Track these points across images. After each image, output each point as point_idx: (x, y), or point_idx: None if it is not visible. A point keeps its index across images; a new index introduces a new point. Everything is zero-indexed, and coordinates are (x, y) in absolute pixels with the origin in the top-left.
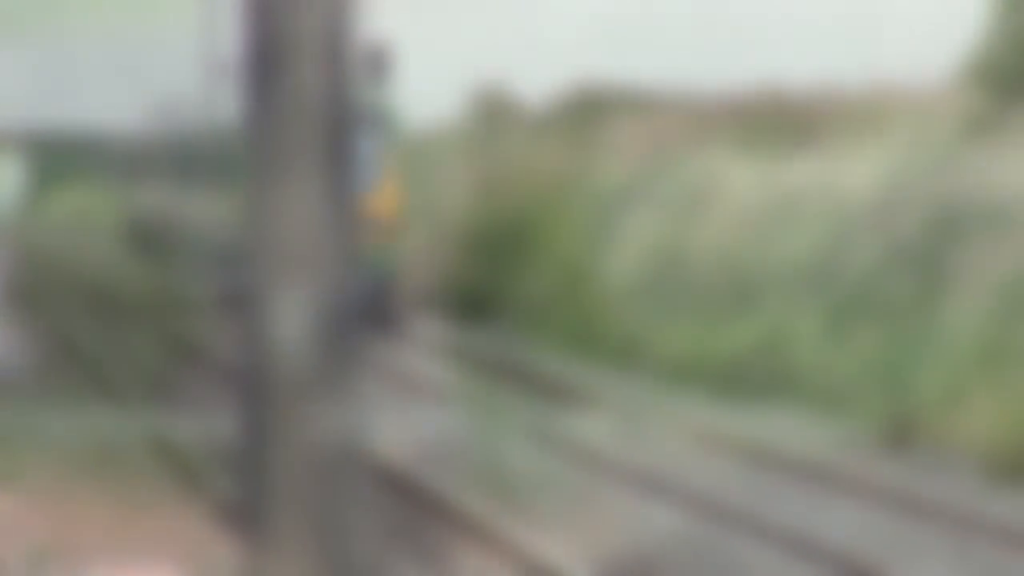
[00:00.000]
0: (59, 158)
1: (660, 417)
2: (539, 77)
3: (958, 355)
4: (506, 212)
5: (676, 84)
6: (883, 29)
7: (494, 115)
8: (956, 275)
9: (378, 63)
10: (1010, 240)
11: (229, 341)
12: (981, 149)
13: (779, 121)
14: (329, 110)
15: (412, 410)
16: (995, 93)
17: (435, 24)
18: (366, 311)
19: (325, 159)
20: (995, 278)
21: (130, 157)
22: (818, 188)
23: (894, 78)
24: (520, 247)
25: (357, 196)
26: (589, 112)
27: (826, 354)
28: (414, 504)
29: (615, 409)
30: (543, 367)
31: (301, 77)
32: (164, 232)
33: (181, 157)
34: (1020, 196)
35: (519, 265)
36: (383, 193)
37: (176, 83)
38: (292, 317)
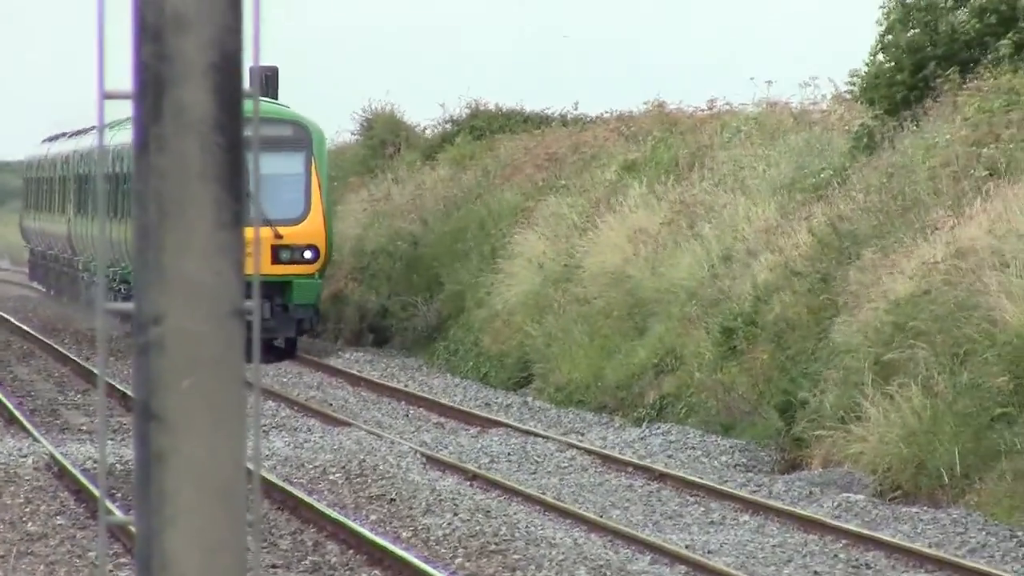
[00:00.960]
0: None
1: (555, 438)
2: (433, 101)
3: (849, 374)
4: (402, 236)
5: (567, 108)
6: (774, 51)
7: (388, 139)
8: (848, 294)
9: (267, 86)
10: (902, 258)
11: (128, 368)
12: (870, 165)
13: (668, 140)
14: (221, 132)
15: (323, 432)
16: (884, 108)
17: (331, 51)
18: (288, 346)
19: (218, 182)
20: (887, 297)
21: (28, 183)
22: (710, 207)
23: (784, 97)
24: (415, 272)
25: (280, 224)
26: (482, 134)
27: (720, 374)
28: (304, 521)
29: (512, 430)
30: (442, 390)
31: (189, 99)
32: (63, 259)
33: (79, 183)
34: (909, 211)
35: (416, 290)
36: (311, 222)
37: (73, 109)
38: (185, 344)
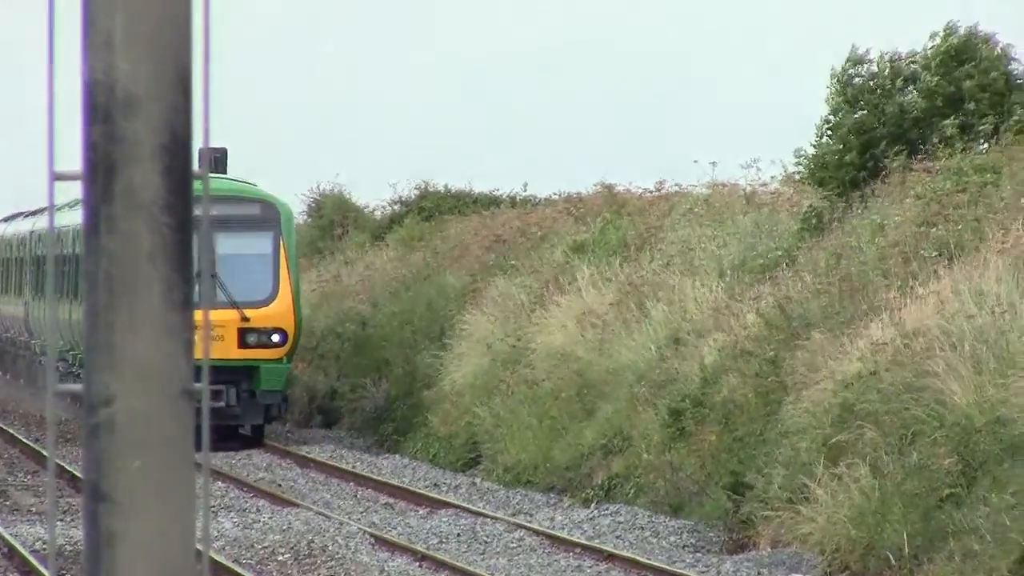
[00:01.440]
0: None
1: (504, 518)
2: (383, 181)
3: (798, 455)
4: (351, 317)
5: (516, 189)
6: (721, 133)
7: (337, 220)
8: (796, 376)
9: (216, 166)
10: (850, 339)
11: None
12: (818, 246)
13: (617, 221)
14: (170, 213)
15: (272, 513)
16: (833, 189)
17: (281, 129)
18: (255, 433)
19: (168, 263)
20: (835, 378)
21: None
22: (659, 288)
23: (730, 179)
24: (364, 353)
25: (247, 306)
26: (431, 215)
27: (669, 455)
28: None
29: (460, 511)
30: (391, 471)
31: (139, 180)
32: (19, 342)
33: (37, 264)
34: (858, 292)
35: (365, 371)
36: (279, 304)
37: (31, 190)
38: (135, 425)
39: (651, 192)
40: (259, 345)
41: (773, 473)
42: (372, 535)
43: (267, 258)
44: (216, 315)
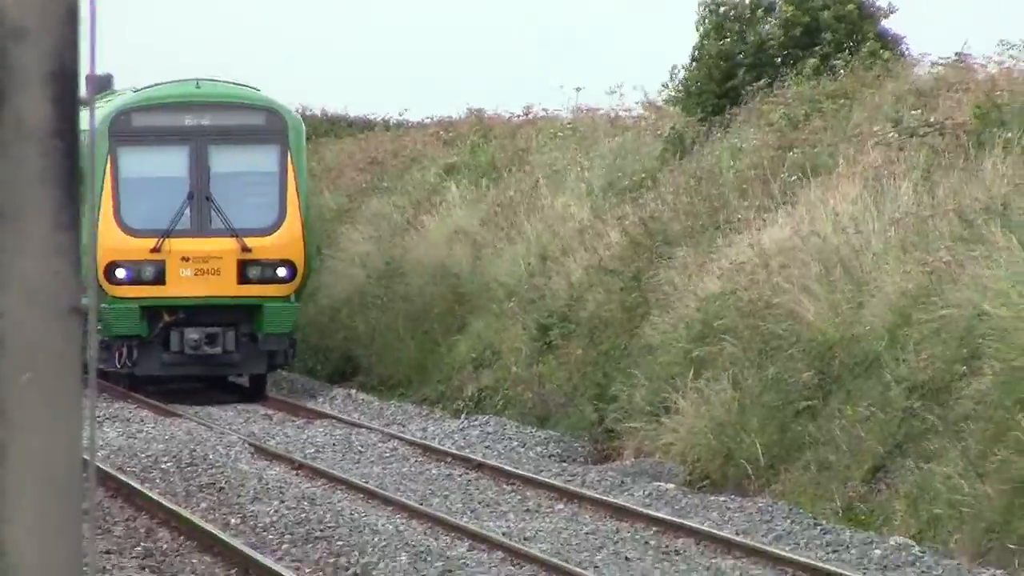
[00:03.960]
0: None
1: (378, 429)
2: None
3: (660, 369)
4: None
5: (391, 114)
6: (591, 57)
7: None
8: (659, 293)
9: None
10: (710, 257)
11: None
12: (680, 168)
13: (485, 145)
14: (60, 138)
15: (155, 423)
16: (696, 114)
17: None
18: (255, 385)
19: (57, 186)
20: (696, 295)
21: None
22: (527, 208)
23: (594, 104)
24: None
25: (248, 235)
26: (308, 139)
27: (536, 368)
28: (137, 509)
29: (336, 421)
30: (270, 383)
31: (28, 107)
32: None
33: None
34: (718, 212)
35: None
36: (286, 232)
37: None
38: (24, 341)
39: (519, 116)
40: (262, 280)
41: (636, 386)
42: (251, 444)
43: (272, 176)
44: (212, 245)
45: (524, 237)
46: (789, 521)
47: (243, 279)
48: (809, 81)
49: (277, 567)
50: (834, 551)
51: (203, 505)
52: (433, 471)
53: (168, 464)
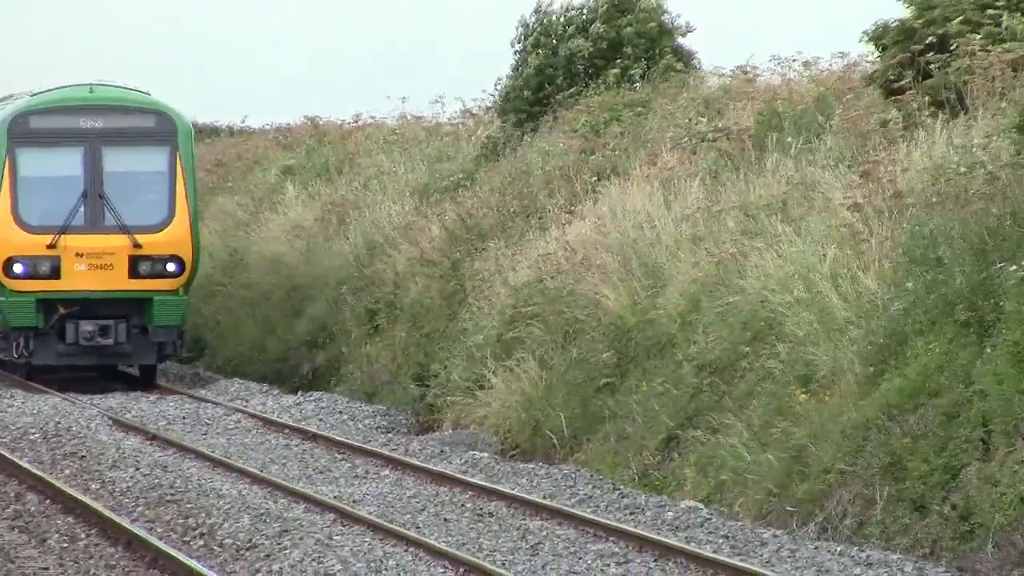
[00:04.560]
0: None
1: (223, 403)
2: None
3: (476, 349)
4: None
5: (235, 121)
6: (412, 73)
7: None
8: (475, 281)
9: None
10: (521, 250)
11: None
12: (494, 170)
13: (320, 149)
14: None
15: (24, 399)
16: (513, 120)
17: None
18: (145, 374)
19: None
20: (508, 283)
21: None
22: (357, 205)
23: (419, 112)
24: None
25: (139, 231)
26: None
27: (365, 349)
28: (7, 475)
29: (186, 397)
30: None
31: None
32: None
33: None
34: (528, 209)
35: None
36: (175, 228)
37: None
38: None
39: (349, 123)
40: (152, 275)
41: (454, 365)
42: (110, 418)
43: (162, 176)
44: (105, 241)
45: (353, 232)
46: (591, 486)
47: (134, 274)
48: (610, 91)
49: (133, 527)
50: (631, 513)
51: (67, 472)
52: (272, 441)
53: (35, 435)
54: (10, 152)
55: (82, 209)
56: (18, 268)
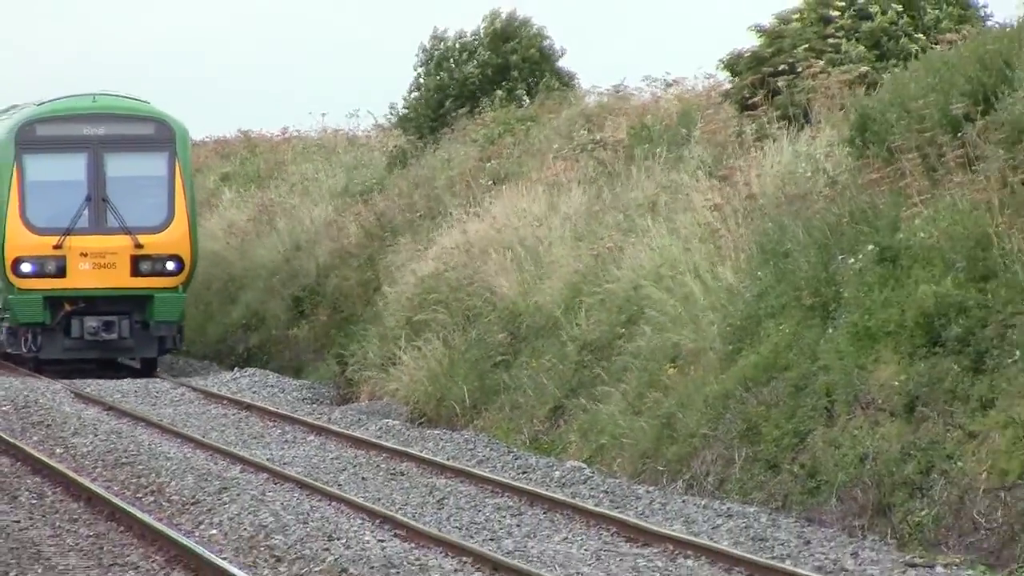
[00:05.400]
0: None
1: (170, 379)
2: None
3: (389, 331)
4: None
5: None
6: (330, 90)
7: None
8: (387, 271)
9: None
10: (427, 244)
11: None
12: (403, 176)
13: (252, 159)
14: None
15: None
16: (415, 134)
17: None
18: (146, 367)
19: None
20: (416, 274)
21: None
22: (284, 207)
23: (337, 125)
24: None
25: (140, 232)
26: None
27: (292, 331)
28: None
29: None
30: None
31: None
32: None
33: None
34: (433, 210)
35: None
36: (175, 229)
37: None
38: None
39: (277, 136)
40: (153, 273)
41: (370, 345)
42: (72, 391)
43: (162, 181)
44: (108, 242)
45: (281, 230)
46: (488, 449)
47: (136, 272)
48: (502, 108)
49: (92, 486)
50: (523, 472)
51: (34, 438)
52: (213, 411)
53: (7, 407)
54: (18, 158)
55: (86, 212)
56: (26, 268)
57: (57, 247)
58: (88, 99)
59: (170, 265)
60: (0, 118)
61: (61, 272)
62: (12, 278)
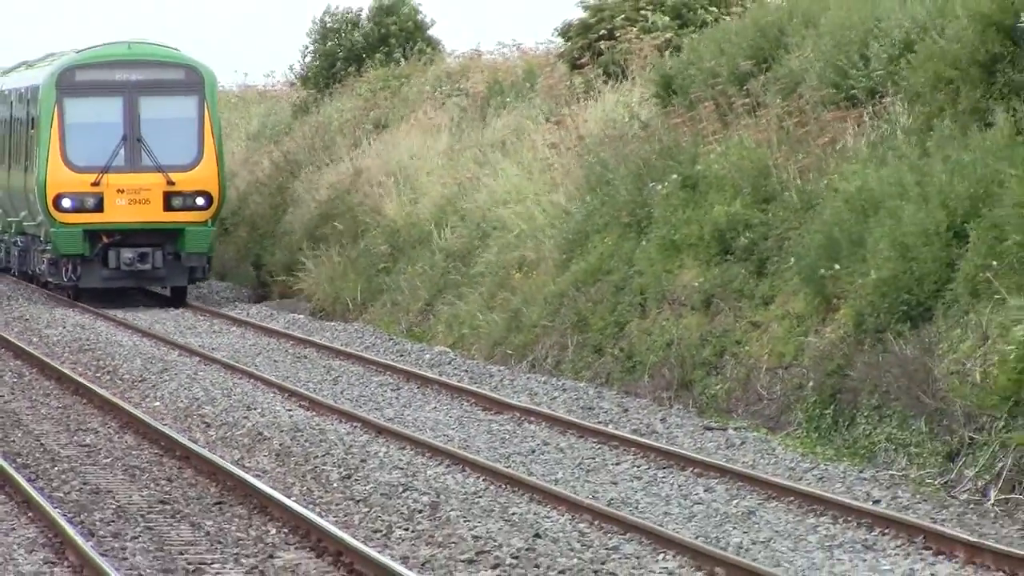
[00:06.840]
0: None
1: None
2: None
3: (295, 243)
4: None
5: None
6: (249, 51)
7: None
8: (293, 197)
9: None
10: (323, 175)
11: None
12: (305, 122)
13: None
14: None
15: None
16: (313, 89)
17: None
18: (177, 295)
19: None
20: (316, 198)
21: None
22: None
23: (253, 82)
24: None
25: (172, 170)
26: None
27: (219, 246)
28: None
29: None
30: None
31: None
32: None
33: None
34: (329, 148)
35: None
36: (204, 168)
37: None
38: None
39: None
40: (184, 208)
41: (280, 254)
42: (47, 295)
43: (192, 122)
44: (142, 179)
45: None
46: (375, 337)
47: (168, 207)
48: (382, 68)
49: (62, 367)
50: (401, 355)
51: (15, 330)
52: (156, 309)
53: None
54: (59, 102)
55: (122, 151)
56: (67, 203)
57: (95, 184)
58: (123, 47)
59: (200, 200)
60: (40, 65)
61: (99, 207)
62: (54, 213)
